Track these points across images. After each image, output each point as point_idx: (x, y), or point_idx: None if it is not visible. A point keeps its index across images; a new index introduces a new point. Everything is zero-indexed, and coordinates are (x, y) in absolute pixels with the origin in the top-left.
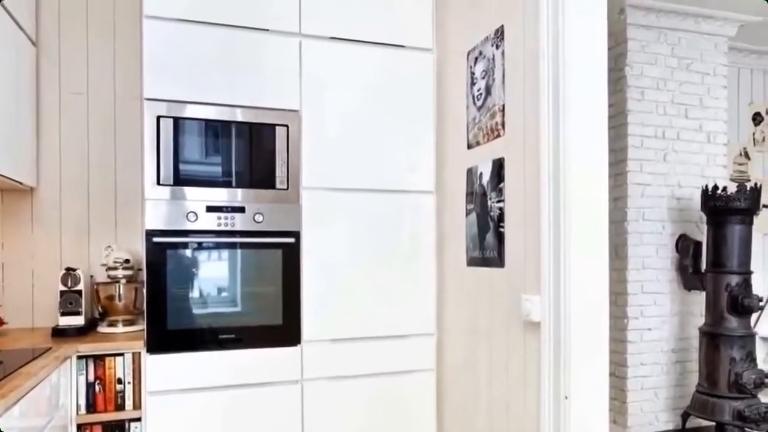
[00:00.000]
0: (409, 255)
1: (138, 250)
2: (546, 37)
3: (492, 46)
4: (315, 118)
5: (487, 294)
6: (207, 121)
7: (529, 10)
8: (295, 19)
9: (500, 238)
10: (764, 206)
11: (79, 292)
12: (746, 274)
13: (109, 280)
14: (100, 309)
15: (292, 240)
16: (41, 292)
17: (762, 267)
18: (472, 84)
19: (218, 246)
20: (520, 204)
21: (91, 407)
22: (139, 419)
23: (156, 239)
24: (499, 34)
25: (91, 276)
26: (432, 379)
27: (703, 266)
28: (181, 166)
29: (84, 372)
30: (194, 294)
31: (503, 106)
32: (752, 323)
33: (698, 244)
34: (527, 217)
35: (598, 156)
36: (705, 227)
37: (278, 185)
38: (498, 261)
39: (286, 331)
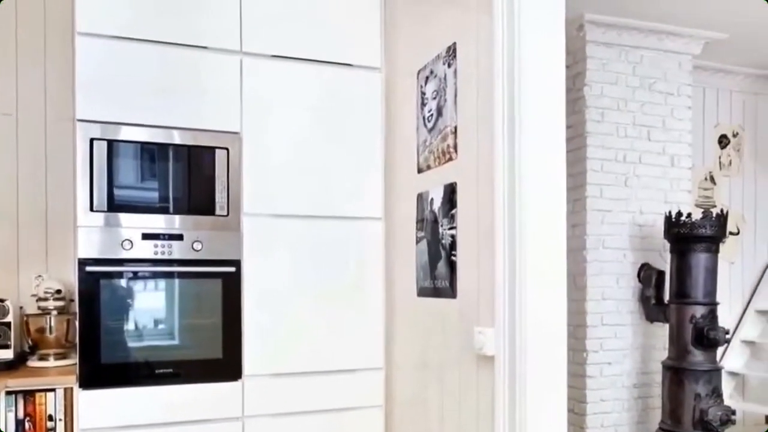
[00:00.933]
0: (356, 285)
1: (70, 280)
2: (501, 55)
3: (444, 64)
4: (257, 141)
5: (439, 326)
6: (143, 143)
7: (483, 26)
8: (236, 36)
9: (452, 267)
10: (731, 233)
11: (8, 324)
12: (712, 305)
13: (39, 312)
14: (30, 342)
15: (232, 269)
16: None
17: (728, 298)
18: (423, 105)
19: (155, 275)
20: (473, 231)
21: None
22: None
23: (89, 268)
24: (451, 52)
25: (21, 307)
26: (380, 416)
27: (667, 297)
28: (116, 191)
29: (13, 408)
30: (129, 326)
31: (455, 127)
32: (718, 357)
33: (661, 273)
34: (481, 245)
35: (556, 180)
36: (668, 256)
37: (218, 211)
38: (450, 291)
39: (226, 365)
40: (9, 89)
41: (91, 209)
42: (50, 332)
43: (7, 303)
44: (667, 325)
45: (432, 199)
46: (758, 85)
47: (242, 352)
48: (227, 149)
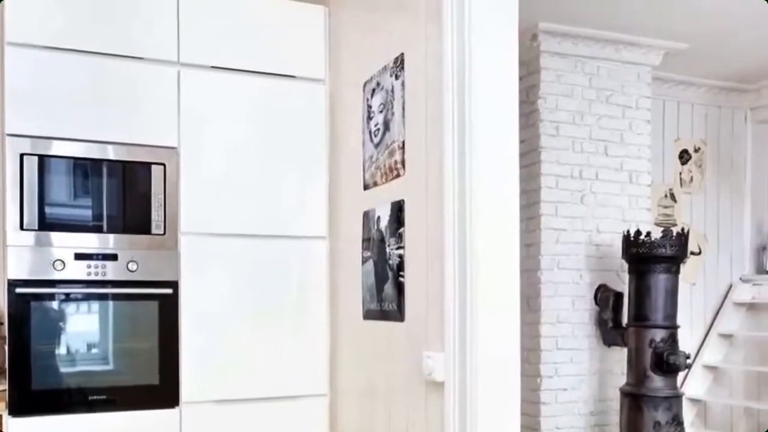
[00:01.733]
0: (299, 307)
1: None
2: (451, 66)
3: (391, 76)
4: (195, 156)
5: (386, 350)
6: (75, 159)
7: (432, 35)
8: (173, 46)
9: (400, 288)
10: (692, 253)
11: None
12: (672, 328)
13: None
14: None
15: (169, 290)
16: None
17: (689, 320)
18: (369, 118)
19: (88, 297)
20: (422, 251)
21: None
22: None
23: (19, 290)
24: (399, 63)
25: None
26: None
27: (625, 320)
28: (47, 209)
29: None
30: (61, 350)
31: (403, 142)
32: (679, 383)
33: (619, 295)
34: (430, 266)
35: (509, 198)
36: (627, 277)
37: (154, 230)
38: (397, 314)
39: (163, 391)
40: None
41: (21, 228)
42: None
43: None
44: (625, 350)
45: (379, 218)
46: (721, 97)
47: (180, 377)
48: (164, 165)
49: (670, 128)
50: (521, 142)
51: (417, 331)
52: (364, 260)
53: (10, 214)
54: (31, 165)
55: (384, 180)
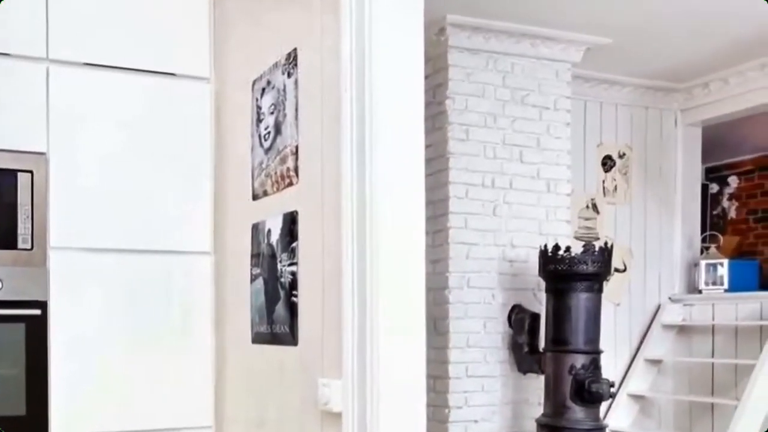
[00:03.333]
0: (181, 330)
1: None
2: (349, 64)
3: (283, 73)
4: (66, 163)
5: (277, 378)
6: None
7: (329, 29)
8: (42, 41)
9: (293, 309)
10: (616, 270)
11: None
12: (594, 353)
13: None
14: None
15: (37, 311)
16: None
17: (613, 345)
18: (259, 120)
19: None
20: (318, 268)
21: None
22: None
23: None
24: (292, 59)
25: None
26: None
27: (542, 344)
28: None
29: None
30: None
31: (296, 147)
32: (602, 413)
33: (535, 316)
34: (326, 284)
35: (414, 209)
36: (544, 296)
37: (20, 245)
38: (290, 338)
39: (30, 423)
40: None
41: None
42: None
43: None
44: (542, 377)
45: (269, 231)
46: (647, 97)
47: (49, 408)
48: (31, 172)
49: (592, 132)
50: (427, 147)
51: (312, 357)
52: (254, 278)
53: None
54: None
55: (275, 189)
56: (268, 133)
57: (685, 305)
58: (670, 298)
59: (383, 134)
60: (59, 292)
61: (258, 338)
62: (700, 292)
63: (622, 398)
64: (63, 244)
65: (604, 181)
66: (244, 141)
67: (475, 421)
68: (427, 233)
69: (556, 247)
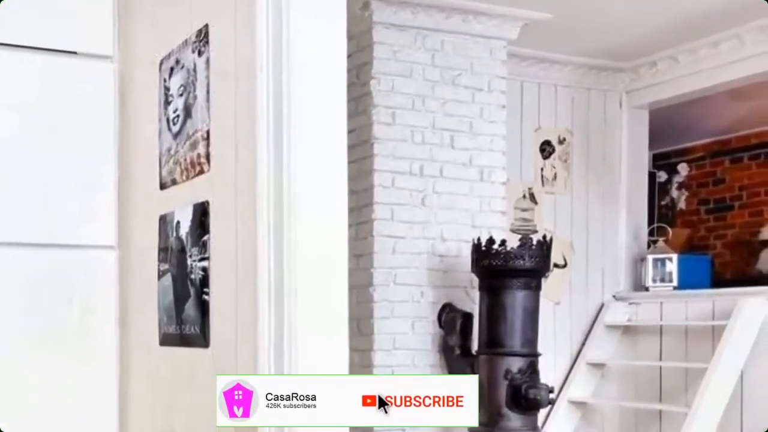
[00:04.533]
0: (82, 331)
1: None
2: (265, 41)
3: (193, 52)
4: None
5: (187, 382)
6: None
7: (243, 3)
8: None
9: (204, 308)
10: (556, 266)
11: None
12: (532, 356)
13: None
14: None
15: None
16: None
17: (552, 347)
18: (167, 103)
19: None
20: (232, 263)
21: None
22: None
23: None
24: (203, 36)
25: None
26: None
27: (475, 346)
28: None
29: None
30: None
31: (208, 132)
32: (540, 421)
33: (468, 316)
34: (241, 281)
35: (335, 199)
36: (477, 294)
37: None
38: (201, 339)
39: None
40: None
41: None
42: None
43: None
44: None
45: (178, 223)
46: (590, 78)
47: None
48: None
49: (530, 115)
50: (350, 131)
51: (225, 360)
52: (161, 274)
53: None
54: None
55: (185, 177)
56: (177, 116)
57: (630, 304)
58: (614, 297)
59: (302, 118)
60: None
61: (166, 340)
62: (647, 289)
63: (562, 405)
64: None
65: (542, 169)
66: (150, 125)
67: (402, 430)
68: (349, 225)
69: (491, 241)
